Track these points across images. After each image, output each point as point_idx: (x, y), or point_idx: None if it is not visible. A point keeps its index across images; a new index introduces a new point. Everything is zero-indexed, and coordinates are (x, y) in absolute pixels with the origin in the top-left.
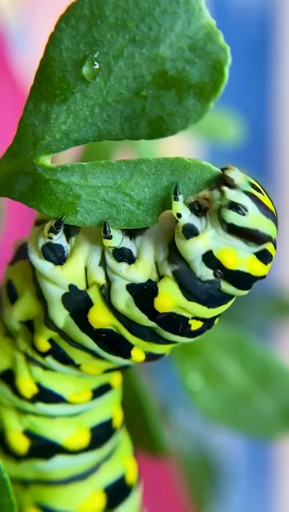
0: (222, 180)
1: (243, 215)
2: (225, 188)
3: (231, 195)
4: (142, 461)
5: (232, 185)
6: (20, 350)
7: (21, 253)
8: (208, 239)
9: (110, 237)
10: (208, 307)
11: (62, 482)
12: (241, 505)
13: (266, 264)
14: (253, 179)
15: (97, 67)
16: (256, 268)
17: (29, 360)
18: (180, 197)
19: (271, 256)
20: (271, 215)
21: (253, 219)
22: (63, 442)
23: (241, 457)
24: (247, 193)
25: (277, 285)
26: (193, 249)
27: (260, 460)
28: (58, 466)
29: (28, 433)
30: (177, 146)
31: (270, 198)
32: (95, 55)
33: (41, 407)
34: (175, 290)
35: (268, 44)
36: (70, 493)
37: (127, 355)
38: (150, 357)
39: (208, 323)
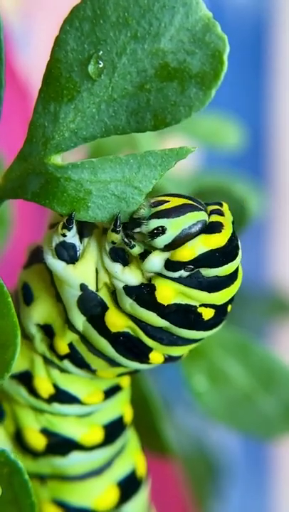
0: (131, 225)
1: (164, 232)
2: (136, 230)
3: (143, 229)
4: (146, 459)
5: (138, 223)
6: (38, 352)
7: (36, 256)
8: (158, 252)
9: (118, 232)
10: (209, 292)
11: (78, 478)
12: (239, 502)
13: (220, 231)
14: (152, 196)
15: (101, 65)
16: (212, 241)
17: (47, 361)
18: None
19: (220, 223)
20: (182, 208)
21: (174, 227)
22: (79, 439)
23: (239, 454)
24: (152, 216)
25: (274, 285)
26: (152, 265)
27: (258, 457)
28: (74, 462)
29: (45, 431)
30: None
31: (173, 195)
32: (100, 54)
33: (57, 406)
34: (170, 281)
35: (264, 48)
36: (85, 488)
37: (145, 359)
38: (169, 359)
39: (220, 310)
